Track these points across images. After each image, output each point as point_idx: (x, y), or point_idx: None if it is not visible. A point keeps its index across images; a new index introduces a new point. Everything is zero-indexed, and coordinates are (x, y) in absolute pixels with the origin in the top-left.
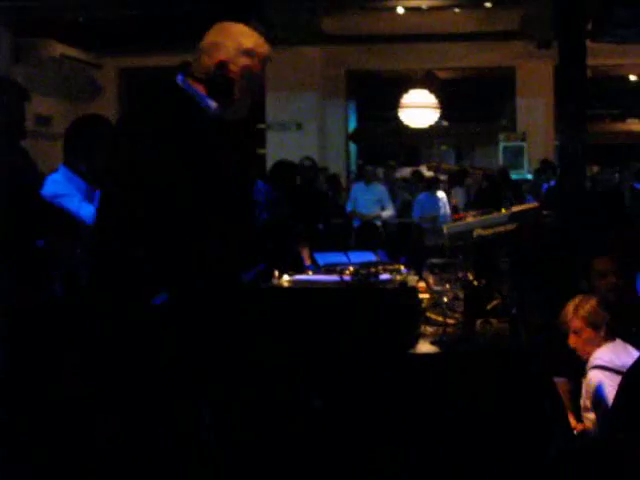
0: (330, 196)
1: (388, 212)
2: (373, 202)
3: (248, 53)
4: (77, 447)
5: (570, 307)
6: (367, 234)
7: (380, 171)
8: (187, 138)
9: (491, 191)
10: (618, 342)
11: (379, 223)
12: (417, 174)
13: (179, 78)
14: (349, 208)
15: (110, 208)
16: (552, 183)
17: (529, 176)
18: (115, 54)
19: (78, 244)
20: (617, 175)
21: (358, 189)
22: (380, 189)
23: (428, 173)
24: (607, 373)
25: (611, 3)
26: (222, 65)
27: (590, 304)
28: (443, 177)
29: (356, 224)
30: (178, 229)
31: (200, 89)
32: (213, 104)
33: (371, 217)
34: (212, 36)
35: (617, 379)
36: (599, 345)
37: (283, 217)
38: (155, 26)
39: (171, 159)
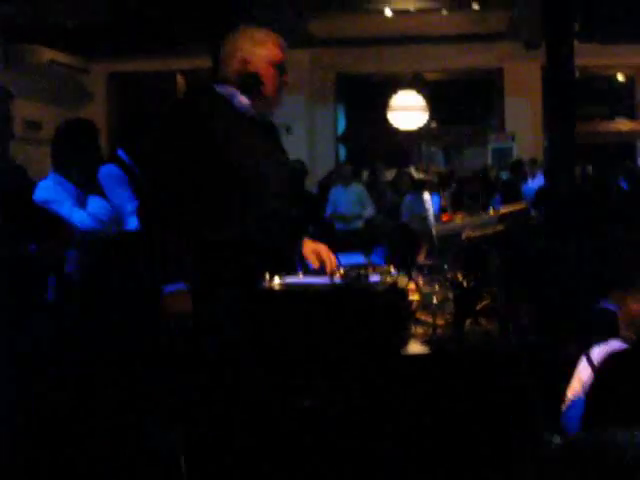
0: (319, 199)
1: (369, 211)
2: (353, 203)
3: (262, 43)
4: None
5: None
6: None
7: (365, 173)
8: (225, 131)
9: (476, 192)
10: None
11: (361, 224)
12: (403, 175)
13: (217, 86)
14: (329, 211)
15: (155, 192)
16: (531, 182)
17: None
18: (104, 59)
19: (70, 248)
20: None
21: (336, 191)
22: (358, 189)
23: (417, 175)
24: None
25: (598, 4)
26: (244, 63)
27: None
28: (433, 179)
29: (338, 227)
30: (210, 216)
31: (235, 90)
32: (246, 102)
33: (352, 218)
34: (226, 46)
35: None
36: None
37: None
38: (144, 30)
39: (211, 150)
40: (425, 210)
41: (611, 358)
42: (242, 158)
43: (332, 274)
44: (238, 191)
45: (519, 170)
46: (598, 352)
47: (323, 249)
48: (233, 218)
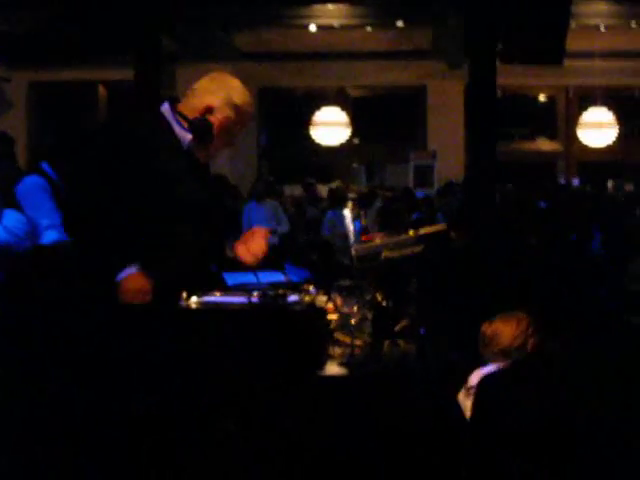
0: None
1: (284, 227)
2: (267, 219)
3: (235, 107)
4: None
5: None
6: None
7: (287, 188)
8: (160, 153)
9: (396, 212)
10: None
11: (273, 240)
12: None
13: (164, 106)
14: (244, 227)
15: (80, 201)
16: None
17: None
18: (25, 68)
19: None
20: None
21: (250, 208)
22: (272, 205)
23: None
24: None
25: (520, 25)
26: (208, 110)
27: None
28: (353, 196)
29: None
30: (132, 236)
31: (182, 124)
32: (188, 137)
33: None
34: (207, 81)
35: None
36: None
37: None
38: (66, 40)
39: (143, 166)
40: (346, 227)
41: (484, 381)
42: (174, 185)
43: (250, 293)
44: (163, 215)
45: (450, 191)
46: (475, 376)
47: (249, 236)
48: (150, 239)
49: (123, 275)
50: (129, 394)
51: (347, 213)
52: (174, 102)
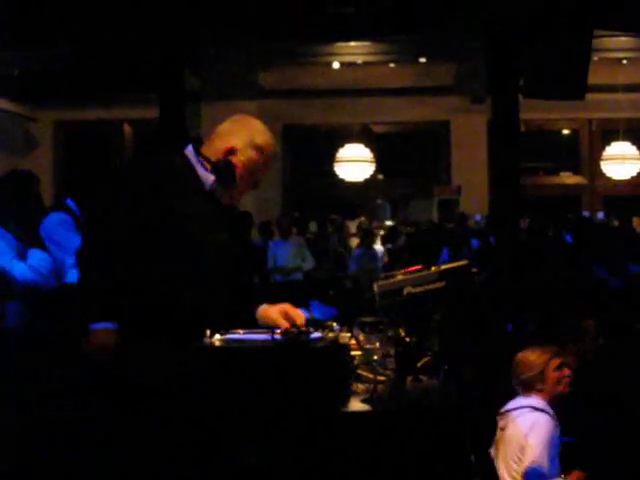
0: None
1: (308, 264)
2: (292, 256)
3: (258, 148)
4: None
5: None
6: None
7: (312, 224)
8: (181, 197)
9: (422, 246)
10: None
11: (300, 277)
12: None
13: (188, 148)
14: (270, 264)
15: (95, 243)
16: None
17: None
18: (50, 107)
19: (10, 301)
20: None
21: (276, 245)
22: (297, 242)
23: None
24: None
25: (543, 60)
26: (231, 151)
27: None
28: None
29: (277, 279)
30: (150, 276)
31: (205, 166)
32: (211, 179)
33: (292, 269)
34: (230, 123)
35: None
36: None
37: None
38: (91, 79)
39: (163, 211)
40: (376, 262)
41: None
42: (190, 226)
43: (273, 331)
44: (182, 257)
45: (463, 223)
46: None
47: (289, 308)
48: (172, 280)
49: (97, 327)
50: (151, 431)
51: (378, 248)
52: (198, 144)
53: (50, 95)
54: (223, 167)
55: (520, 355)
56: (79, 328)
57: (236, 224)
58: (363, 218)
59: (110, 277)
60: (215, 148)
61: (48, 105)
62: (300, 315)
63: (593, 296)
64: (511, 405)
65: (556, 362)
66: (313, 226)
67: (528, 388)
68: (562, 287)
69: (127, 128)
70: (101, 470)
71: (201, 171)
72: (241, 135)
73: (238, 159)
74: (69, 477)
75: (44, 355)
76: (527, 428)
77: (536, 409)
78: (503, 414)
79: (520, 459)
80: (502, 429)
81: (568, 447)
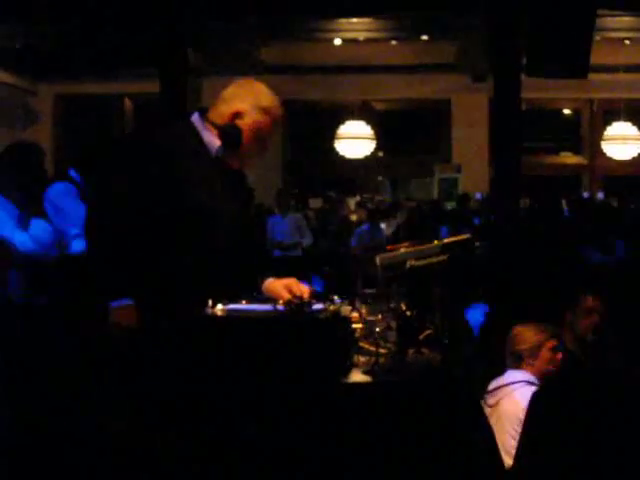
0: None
1: (307, 240)
2: (291, 232)
3: (264, 110)
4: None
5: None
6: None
7: (311, 201)
8: (187, 164)
9: (420, 223)
10: None
11: (299, 253)
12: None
13: (194, 115)
14: (269, 240)
15: (102, 212)
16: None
17: None
18: (51, 80)
19: (10, 270)
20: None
21: (274, 221)
22: (296, 218)
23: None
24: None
25: (545, 39)
26: (237, 115)
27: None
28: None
29: (276, 255)
30: (158, 245)
31: (211, 131)
32: (217, 144)
33: (291, 245)
34: (234, 87)
35: None
36: None
37: None
38: (91, 53)
39: (169, 180)
40: (381, 239)
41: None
42: (199, 194)
43: (275, 302)
44: (188, 225)
45: (465, 203)
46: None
47: (293, 282)
48: (180, 249)
49: (117, 304)
50: (153, 402)
51: (383, 226)
52: (204, 112)
53: (50, 69)
54: (229, 131)
55: (519, 327)
56: (87, 301)
57: (247, 191)
58: (365, 195)
59: (120, 250)
60: (221, 113)
61: (48, 78)
62: (305, 290)
63: (591, 275)
64: (504, 380)
65: (553, 343)
66: (313, 202)
67: (518, 361)
68: (559, 267)
69: (127, 102)
70: (104, 439)
71: (207, 137)
72: (246, 98)
73: (245, 122)
74: (72, 452)
75: (43, 325)
76: (527, 401)
77: (532, 383)
78: (493, 391)
79: (519, 433)
80: (492, 406)
81: None
